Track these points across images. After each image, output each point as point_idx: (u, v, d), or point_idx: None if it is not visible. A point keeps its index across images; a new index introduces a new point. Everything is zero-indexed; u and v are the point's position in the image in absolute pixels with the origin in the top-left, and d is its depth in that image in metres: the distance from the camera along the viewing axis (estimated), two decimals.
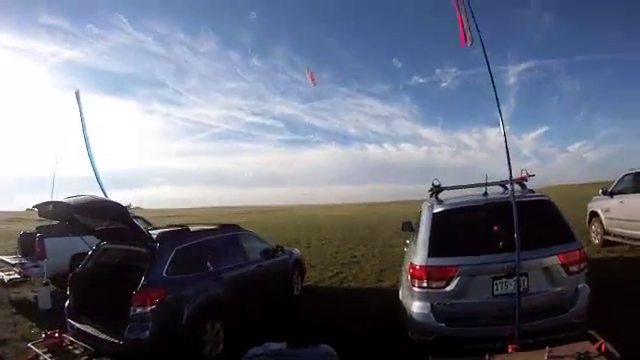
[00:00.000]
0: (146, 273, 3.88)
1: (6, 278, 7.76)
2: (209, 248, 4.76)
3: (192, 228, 5.02)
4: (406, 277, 3.53)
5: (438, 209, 3.54)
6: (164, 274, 3.99)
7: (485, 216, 3.46)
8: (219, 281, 4.56)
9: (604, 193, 7.65)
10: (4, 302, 6.73)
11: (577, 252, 3.16)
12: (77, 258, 7.43)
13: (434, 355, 2.68)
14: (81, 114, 8.08)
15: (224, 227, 5.49)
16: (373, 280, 7.44)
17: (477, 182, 4.08)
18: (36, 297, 7.01)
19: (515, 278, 2.95)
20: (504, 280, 3.04)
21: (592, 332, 2.68)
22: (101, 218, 4.12)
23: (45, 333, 4.21)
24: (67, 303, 4.57)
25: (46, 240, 7.59)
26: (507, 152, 3.24)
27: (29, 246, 8.16)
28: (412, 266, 3.29)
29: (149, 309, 3.71)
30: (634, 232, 6.53)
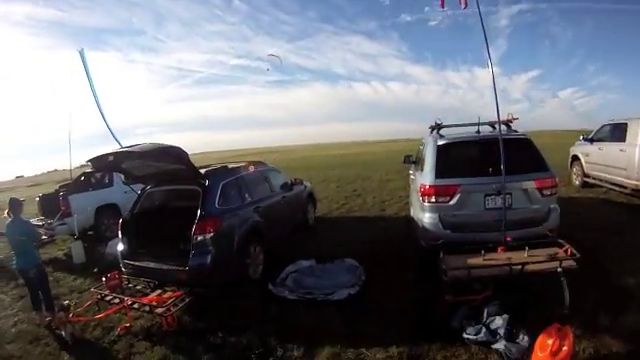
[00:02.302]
0: (201, 206, 4.54)
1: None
2: (245, 182, 5.48)
3: (229, 166, 5.67)
4: (417, 197, 4.54)
5: (441, 142, 4.50)
6: (216, 206, 4.66)
7: (478, 148, 4.48)
8: (256, 210, 5.29)
9: (585, 139, 8.60)
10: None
11: (549, 179, 4.19)
12: (101, 210, 8.52)
13: (445, 253, 3.67)
14: (87, 72, 8.27)
15: (252, 164, 6.19)
16: (376, 210, 8.56)
17: (470, 122, 5.04)
18: (66, 254, 7.62)
19: (501, 195, 3.93)
20: (493, 197, 4.05)
21: (561, 240, 3.75)
22: (165, 161, 4.64)
23: (105, 276, 4.83)
24: (120, 246, 5.15)
25: (70, 197, 8.06)
26: (495, 96, 4.09)
27: (50, 207, 8.60)
28: (423, 186, 4.28)
29: (209, 237, 4.38)
30: (609, 176, 7.53)
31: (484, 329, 3.12)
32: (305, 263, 5.07)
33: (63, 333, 4.24)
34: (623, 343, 2.91)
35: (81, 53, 8.18)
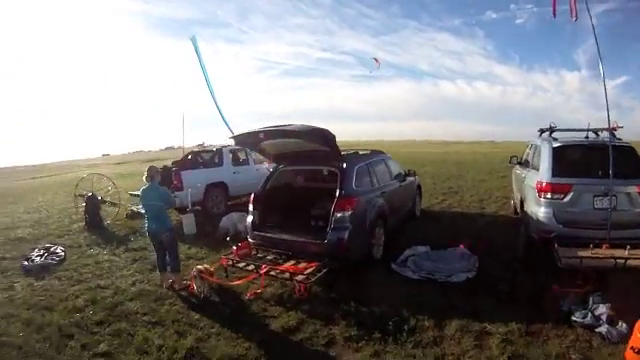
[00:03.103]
0: (340, 186, 5.07)
1: (142, 210, 9.15)
2: (373, 168, 6.02)
3: (359, 152, 6.36)
4: (532, 193, 5.15)
5: (557, 144, 5.11)
6: (353, 187, 5.18)
7: (589, 152, 5.03)
8: (382, 195, 5.79)
9: None
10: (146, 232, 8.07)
11: None
12: (210, 188, 9.18)
13: (559, 245, 4.30)
14: (199, 57, 8.77)
15: (375, 152, 6.86)
16: (476, 207, 9.15)
17: (570, 127, 5.83)
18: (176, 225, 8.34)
19: (608, 197, 4.48)
20: (601, 197, 4.60)
21: None
22: (313, 142, 5.13)
23: (236, 245, 5.48)
24: (250, 219, 5.71)
25: (182, 173, 8.72)
26: (607, 106, 4.61)
27: (165, 180, 9.23)
28: (539, 183, 4.90)
29: (347, 214, 4.87)
30: None
31: (589, 314, 3.70)
32: (421, 248, 5.65)
33: (195, 287, 4.70)
34: None
35: (193, 40, 8.66)
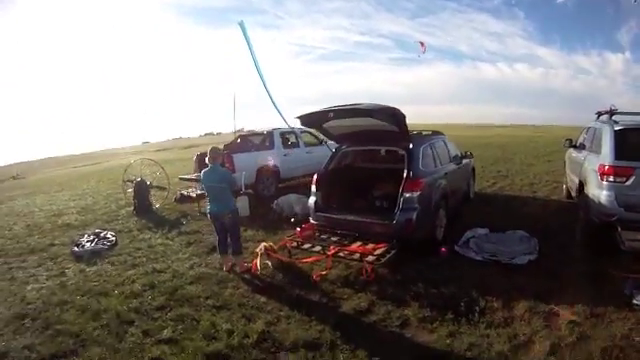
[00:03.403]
0: (408, 167, 5.14)
1: (192, 194, 9.20)
2: (436, 149, 6.12)
3: (423, 132, 6.44)
4: (594, 176, 5.20)
5: (618, 127, 5.13)
6: (420, 168, 5.29)
7: None
8: (445, 175, 5.90)
9: None
10: (197, 215, 8.07)
11: None
12: (261, 171, 9.32)
13: (623, 228, 4.49)
14: (248, 42, 8.93)
15: (435, 133, 6.89)
16: (528, 190, 9.32)
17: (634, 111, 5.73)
18: None
19: None
20: None
21: None
22: (383, 121, 5.10)
23: (300, 227, 5.67)
24: (313, 199, 5.72)
25: (234, 156, 8.79)
26: None
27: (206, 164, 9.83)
28: (602, 166, 4.97)
29: (415, 195, 4.96)
30: None
31: None
32: (481, 230, 5.83)
33: (258, 266, 4.88)
34: None
35: (241, 25, 8.77)
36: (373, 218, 5.30)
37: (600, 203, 5.00)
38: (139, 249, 6.20)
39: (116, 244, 6.46)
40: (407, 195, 5.00)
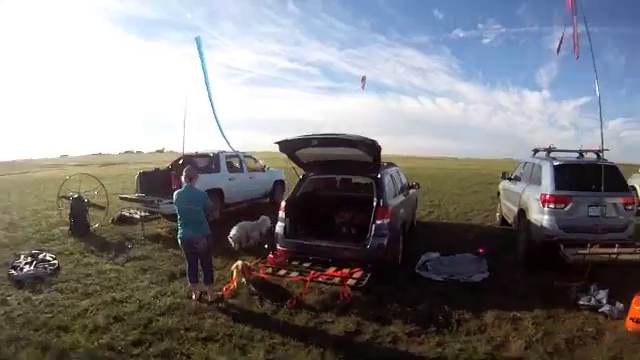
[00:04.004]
0: (378, 196, 5.57)
1: (136, 215, 8.79)
2: (394, 179, 6.58)
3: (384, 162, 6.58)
4: (536, 204, 6.14)
5: (557, 163, 6.22)
6: (388, 197, 5.71)
7: (583, 170, 6.23)
8: (401, 204, 6.36)
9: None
10: (141, 239, 7.61)
11: (631, 198, 5.89)
12: (212, 192, 8.29)
13: (565, 246, 5.36)
14: (202, 59, 8.79)
15: (390, 164, 7.21)
16: (463, 218, 10.35)
17: (543, 147, 7.13)
18: (169, 232, 8.04)
19: (599, 207, 5.62)
20: (594, 207, 5.72)
21: (637, 243, 5.47)
22: (363, 151, 5.51)
23: (272, 252, 5.73)
24: (282, 225, 5.83)
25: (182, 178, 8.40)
26: (601, 131, 5.98)
27: (150, 184, 8.97)
28: (544, 195, 5.96)
29: (386, 222, 5.37)
30: None
31: (593, 298, 4.78)
32: (433, 254, 6.41)
33: (235, 285, 4.92)
34: None
35: (198, 40, 8.72)
36: (346, 244, 5.67)
37: (542, 226, 5.96)
38: (88, 275, 5.71)
39: (59, 268, 5.92)
40: (379, 222, 5.40)
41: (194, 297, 4.86)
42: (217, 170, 9.52)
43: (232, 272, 5.21)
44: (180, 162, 9.89)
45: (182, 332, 4.09)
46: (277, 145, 5.83)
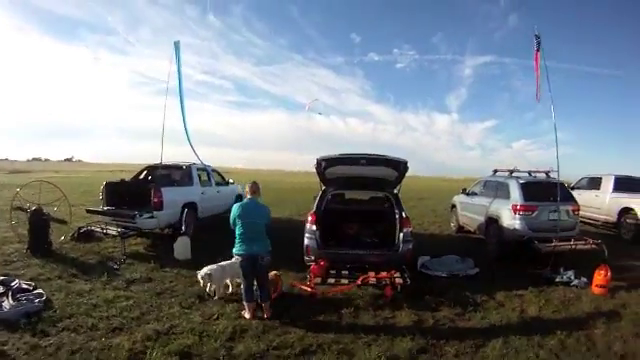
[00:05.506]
0: (399, 209, 6.80)
1: (112, 231, 7.85)
2: None
3: None
4: (507, 212, 8.16)
5: (522, 181, 8.36)
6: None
7: (541, 186, 8.33)
8: None
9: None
10: (122, 258, 7.17)
11: (576, 206, 8.26)
12: (187, 207, 8.62)
13: (537, 242, 7.40)
14: (179, 66, 8.50)
15: None
16: (420, 229, 12.15)
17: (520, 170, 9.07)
18: (147, 249, 8.06)
19: (556, 213, 7.78)
20: (553, 213, 7.87)
21: (585, 238, 7.82)
22: (396, 170, 6.73)
23: (313, 261, 6.15)
24: (313, 237, 6.36)
25: (163, 190, 7.91)
26: (557, 152, 7.75)
27: (117, 197, 8.52)
28: (515, 205, 7.99)
29: (409, 231, 6.49)
30: (586, 214, 11.50)
31: (564, 277, 6.85)
32: (425, 257, 7.66)
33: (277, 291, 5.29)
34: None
35: (176, 45, 8.51)
36: (380, 250, 6.64)
37: (515, 229, 8.04)
38: (95, 306, 4.99)
39: (48, 299, 5.05)
40: (405, 230, 6.53)
41: (248, 316, 4.80)
42: (190, 183, 9.35)
43: (275, 282, 5.51)
44: (145, 173, 9.73)
45: (275, 352, 4.07)
46: (320, 160, 6.55)
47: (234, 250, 4.91)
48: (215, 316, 4.88)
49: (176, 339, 4.23)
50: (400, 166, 6.70)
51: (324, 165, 6.68)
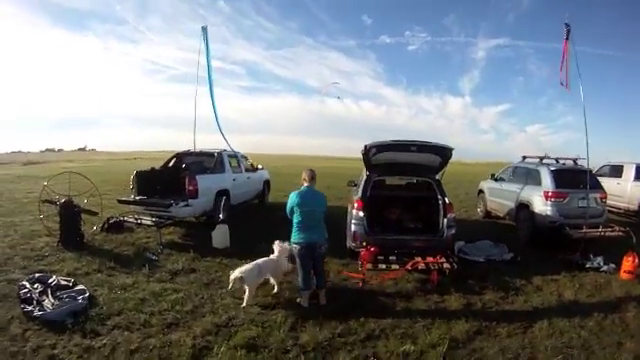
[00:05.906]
0: (442, 195, 7.00)
1: (147, 222, 7.85)
2: None
3: None
4: (539, 199, 8.68)
5: (553, 168, 8.84)
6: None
7: (572, 173, 8.84)
8: None
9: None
10: (158, 249, 7.16)
11: (604, 194, 8.81)
12: (220, 194, 8.69)
13: (568, 228, 8.04)
14: (207, 52, 8.77)
15: None
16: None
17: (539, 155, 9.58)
18: (182, 237, 8.19)
19: (585, 200, 8.37)
20: (582, 199, 8.45)
21: (612, 225, 8.41)
22: (442, 156, 6.94)
23: (364, 247, 6.18)
24: (359, 223, 6.53)
25: (198, 177, 7.97)
26: (587, 140, 8.28)
27: (148, 185, 8.54)
28: (547, 192, 8.52)
29: (452, 216, 6.77)
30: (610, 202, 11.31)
31: (594, 263, 7.48)
32: (461, 242, 7.92)
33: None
34: None
35: (204, 30, 8.71)
36: (426, 236, 6.89)
37: (547, 215, 8.62)
38: (143, 300, 4.90)
39: (92, 296, 4.91)
40: (449, 216, 6.77)
41: (304, 303, 4.90)
42: (222, 170, 9.41)
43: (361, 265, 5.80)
44: (175, 160, 9.77)
45: (340, 339, 4.22)
46: (370, 147, 6.64)
47: (292, 239, 4.96)
48: (271, 306, 4.95)
49: (238, 332, 4.23)
50: (446, 152, 6.92)
51: (374, 152, 6.77)
